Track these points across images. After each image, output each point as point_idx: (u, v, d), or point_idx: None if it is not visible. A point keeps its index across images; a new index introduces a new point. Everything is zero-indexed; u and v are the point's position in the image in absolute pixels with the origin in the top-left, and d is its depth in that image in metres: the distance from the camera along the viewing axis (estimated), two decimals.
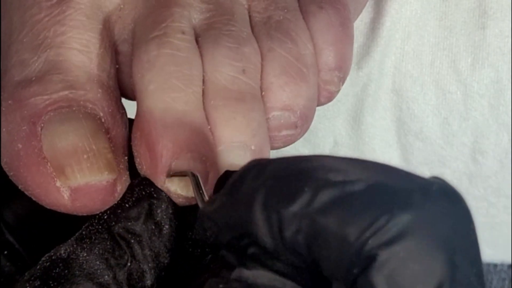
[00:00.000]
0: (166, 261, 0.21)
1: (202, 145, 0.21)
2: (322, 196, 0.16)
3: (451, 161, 0.38)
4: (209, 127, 0.22)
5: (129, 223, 0.21)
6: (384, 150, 0.37)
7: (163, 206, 0.22)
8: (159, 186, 0.22)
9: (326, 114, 0.36)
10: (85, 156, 0.21)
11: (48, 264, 0.20)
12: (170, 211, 0.22)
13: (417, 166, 0.38)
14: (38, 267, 0.20)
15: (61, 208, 0.21)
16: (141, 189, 0.22)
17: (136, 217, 0.21)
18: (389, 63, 0.35)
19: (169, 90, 0.22)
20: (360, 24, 0.34)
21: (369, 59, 0.34)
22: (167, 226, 0.22)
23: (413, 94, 0.35)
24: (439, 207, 0.16)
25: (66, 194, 0.21)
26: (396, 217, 0.16)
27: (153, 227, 0.21)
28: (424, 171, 0.38)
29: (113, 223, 0.21)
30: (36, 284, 0.19)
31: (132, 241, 0.21)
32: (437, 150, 0.37)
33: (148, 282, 0.21)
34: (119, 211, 0.21)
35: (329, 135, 0.37)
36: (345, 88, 0.35)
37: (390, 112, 0.36)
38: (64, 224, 0.22)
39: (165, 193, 0.22)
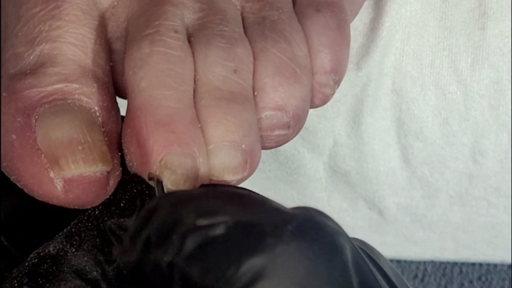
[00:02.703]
0: None
1: (193, 142, 0.21)
2: (188, 243, 0.16)
3: (451, 161, 0.38)
4: (199, 125, 0.22)
5: (122, 220, 0.21)
6: (384, 151, 0.37)
7: None
8: (150, 183, 0.22)
9: (325, 114, 0.36)
10: (79, 147, 0.21)
11: (36, 260, 0.20)
12: None
13: (417, 166, 0.38)
14: (26, 264, 0.20)
15: (53, 200, 0.21)
16: (133, 186, 0.22)
17: (129, 214, 0.21)
18: (389, 64, 0.35)
19: (161, 88, 0.22)
20: (359, 25, 0.34)
21: (369, 60, 0.34)
22: None
23: (413, 94, 0.35)
24: (291, 250, 0.16)
25: (59, 186, 0.21)
26: (245, 265, 0.15)
27: None
28: (424, 171, 0.38)
29: (106, 218, 0.21)
30: (24, 281, 0.19)
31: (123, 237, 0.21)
32: (437, 150, 0.37)
33: None
34: (113, 208, 0.21)
35: (328, 136, 0.37)
36: (345, 88, 0.35)
37: (390, 113, 0.36)
38: (54, 221, 0.22)
39: (155, 191, 0.22)
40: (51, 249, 0.20)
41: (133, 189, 0.22)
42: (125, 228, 0.21)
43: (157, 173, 0.21)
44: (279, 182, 0.40)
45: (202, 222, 0.16)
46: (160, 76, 0.22)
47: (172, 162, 0.21)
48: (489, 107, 0.35)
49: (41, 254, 0.20)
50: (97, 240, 0.20)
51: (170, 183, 0.21)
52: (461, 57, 0.35)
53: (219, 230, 0.16)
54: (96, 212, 0.21)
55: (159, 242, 0.17)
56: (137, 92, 0.22)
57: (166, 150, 0.21)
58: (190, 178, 0.21)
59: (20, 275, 0.19)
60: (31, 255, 0.20)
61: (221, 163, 0.22)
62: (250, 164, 0.22)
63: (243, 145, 0.22)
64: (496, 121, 0.36)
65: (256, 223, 0.16)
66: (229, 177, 0.22)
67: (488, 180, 0.39)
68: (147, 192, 0.22)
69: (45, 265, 0.20)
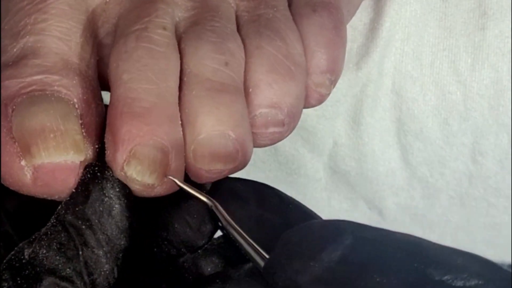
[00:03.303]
0: (122, 243, 0.21)
1: (167, 136, 0.21)
2: None
3: (451, 162, 0.38)
4: (180, 122, 0.22)
5: (77, 209, 0.21)
6: (383, 151, 0.37)
7: (108, 185, 0.21)
8: (117, 173, 0.22)
9: (325, 114, 0.36)
10: (51, 135, 0.21)
11: (16, 264, 0.20)
12: (117, 189, 0.22)
13: (417, 166, 0.38)
14: (4, 266, 0.20)
15: (23, 188, 0.21)
16: (85, 172, 0.22)
17: (83, 201, 0.21)
18: (389, 64, 0.35)
19: (142, 81, 0.22)
20: (359, 25, 0.34)
21: (369, 60, 0.34)
22: (116, 206, 0.21)
23: (413, 94, 0.35)
24: None
25: (29, 173, 0.21)
26: None
27: (101, 209, 0.21)
28: (424, 171, 0.38)
29: (63, 211, 0.21)
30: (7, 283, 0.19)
31: (84, 227, 0.20)
32: (437, 151, 0.37)
33: (107, 267, 0.21)
34: (67, 198, 0.21)
35: (328, 136, 0.37)
36: (344, 88, 0.35)
37: (390, 113, 0.36)
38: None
39: (109, 172, 0.22)
40: (25, 253, 0.20)
41: (86, 174, 0.21)
42: (83, 217, 0.21)
43: (125, 162, 0.21)
44: (279, 182, 0.40)
45: (458, 283, 0.15)
46: (142, 70, 0.22)
47: (141, 153, 0.21)
48: (489, 107, 0.35)
49: (17, 257, 0.20)
50: (62, 235, 0.20)
51: (135, 173, 0.21)
52: (461, 57, 0.34)
53: None
54: (59, 208, 0.21)
55: None
56: (119, 84, 0.22)
57: (137, 141, 0.21)
58: (157, 171, 0.21)
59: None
60: (8, 257, 0.20)
61: (212, 152, 0.22)
62: (242, 155, 0.22)
63: (234, 135, 0.22)
64: (496, 122, 0.36)
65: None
66: (220, 166, 0.22)
67: (488, 180, 0.39)
68: (98, 174, 0.21)
69: (22, 269, 0.20)
